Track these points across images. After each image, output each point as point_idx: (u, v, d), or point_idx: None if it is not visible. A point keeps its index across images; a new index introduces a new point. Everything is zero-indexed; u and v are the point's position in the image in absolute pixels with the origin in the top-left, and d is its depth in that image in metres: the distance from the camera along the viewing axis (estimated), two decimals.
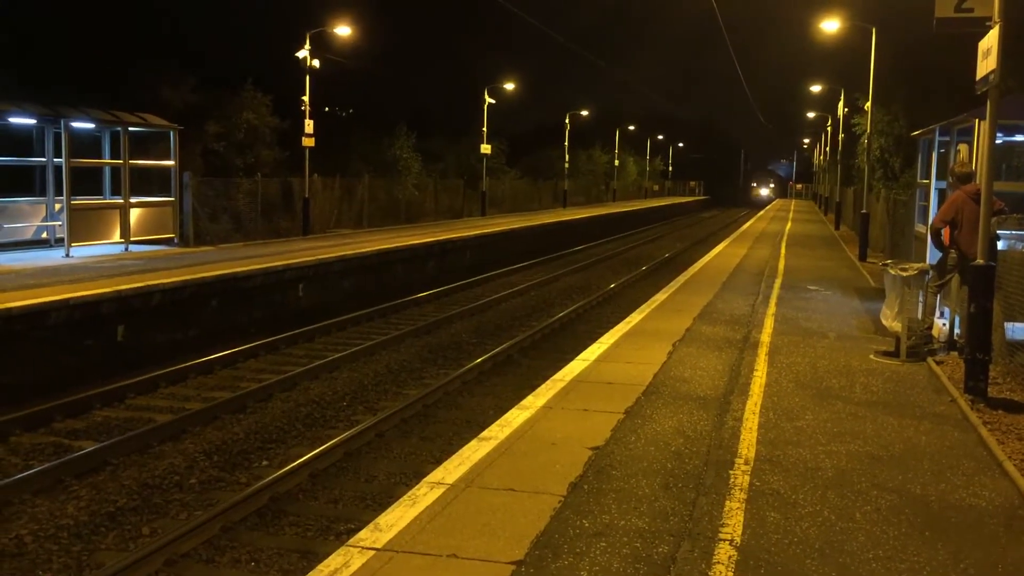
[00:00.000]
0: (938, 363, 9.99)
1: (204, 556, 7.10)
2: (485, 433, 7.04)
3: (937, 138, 13.20)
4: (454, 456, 6.49)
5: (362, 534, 5.07)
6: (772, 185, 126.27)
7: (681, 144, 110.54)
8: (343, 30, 27.28)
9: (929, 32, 9.72)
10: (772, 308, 13.90)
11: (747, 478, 6.08)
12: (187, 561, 6.99)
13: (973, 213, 9.68)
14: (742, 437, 7.02)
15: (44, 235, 19.36)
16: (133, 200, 19.94)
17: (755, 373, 9.30)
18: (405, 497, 5.63)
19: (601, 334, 11.86)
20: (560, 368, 9.66)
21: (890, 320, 10.34)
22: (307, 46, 26.17)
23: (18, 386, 11.46)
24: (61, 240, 18.42)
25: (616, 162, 71.34)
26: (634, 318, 12.76)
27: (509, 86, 42.96)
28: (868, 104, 25.87)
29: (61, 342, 12.44)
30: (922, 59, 23.24)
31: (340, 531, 7.49)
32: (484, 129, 40.36)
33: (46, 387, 11.52)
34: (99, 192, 20.87)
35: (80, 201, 19.00)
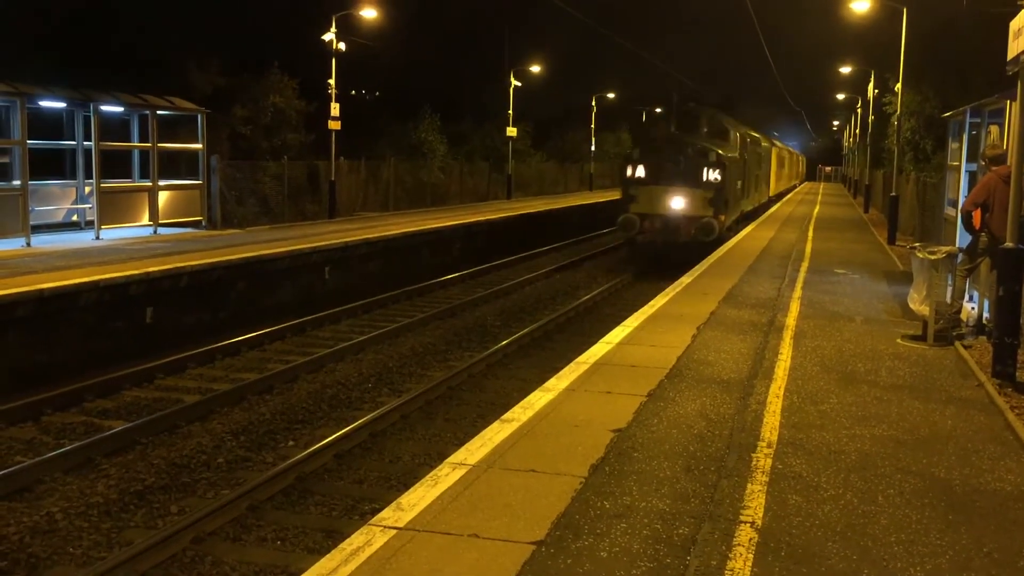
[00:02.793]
0: (966, 347, 9.89)
1: (231, 534, 7.21)
2: (508, 415, 7.07)
3: (968, 119, 13.02)
4: (476, 437, 6.52)
5: (384, 513, 5.12)
6: (717, 177, 21.99)
7: None
8: (369, 13, 27.27)
9: (961, 11, 9.59)
10: (798, 291, 13.81)
11: (769, 461, 6.07)
12: (214, 539, 7.10)
13: (1005, 195, 9.56)
14: (765, 420, 7.00)
15: (74, 218, 19.59)
16: (161, 183, 20.13)
17: (780, 357, 9.26)
18: (427, 477, 5.67)
19: (625, 317, 11.84)
20: (584, 351, 9.67)
21: (918, 304, 10.24)
22: (333, 29, 26.19)
23: (49, 366, 11.65)
24: (91, 223, 18.63)
25: None
26: (658, 301, 12.73)
27: (535, 68, 42.78)
28: (898, 85, 25.53)
29: (91, 323, 12.61)
30: (954, 39, 22.89)
31: (365, 511, 7.57)
32: (510, 112, 40.25)
33: (77, 367, 11.71)
34: (128, 175, 21.06)
35: (110, 184, 19.21)
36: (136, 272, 13.38)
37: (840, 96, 63.64)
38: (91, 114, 18.18)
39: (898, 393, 7.97)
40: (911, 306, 10.44)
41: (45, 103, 18.04)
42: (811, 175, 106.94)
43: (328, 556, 4.58)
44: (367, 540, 4.75)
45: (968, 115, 12.95)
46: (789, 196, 54.85)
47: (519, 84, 40.71)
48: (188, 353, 12.59)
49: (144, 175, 20.49)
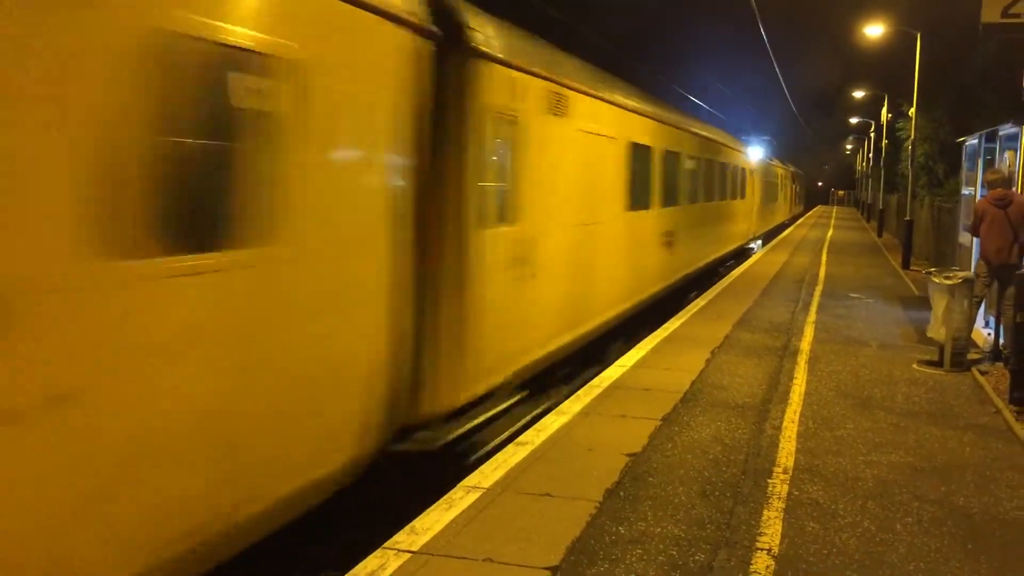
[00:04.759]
0: (983, 373, 9.82)
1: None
2: (522, 438, 7.05)
3: (982, 145, 13.01)
4: (491, 460, 6.50)
5: (398, 537, 5.10)
6: None
7: None
8: None
9: (976, 37, 9.63)
10: (812, 315, 13.76)
11: (786, 487, 6.03)
12: None
13: (994, 218, 9.88)
14: (781, 446, 6.96)
15: None
16: None
17: (794, 381, 9.22)
18: (442, 500, 5.65)
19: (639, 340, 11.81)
20: (597, 373, 9.64)
21: (934, 329, 10.17)
22: None
23: None
24: None
25: None
26: (672, 324, 12.70)
27: None
28: (912, 110, 25.54)
29: None
30: (968, 65, 22.91)
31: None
32: None
33: None
34: None
35: None
36: None
37: (853, 120, 63.74)
38: None
39: (915, 419, 7.91)
40: (929, 334, 10.36)
41: None
42: (824, 199, 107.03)
43: None
44: (381, 564, 4.73)
45: (983, 140, 12.94)
46: (801, 220, 54.61)
47: None
48: None
49: None
